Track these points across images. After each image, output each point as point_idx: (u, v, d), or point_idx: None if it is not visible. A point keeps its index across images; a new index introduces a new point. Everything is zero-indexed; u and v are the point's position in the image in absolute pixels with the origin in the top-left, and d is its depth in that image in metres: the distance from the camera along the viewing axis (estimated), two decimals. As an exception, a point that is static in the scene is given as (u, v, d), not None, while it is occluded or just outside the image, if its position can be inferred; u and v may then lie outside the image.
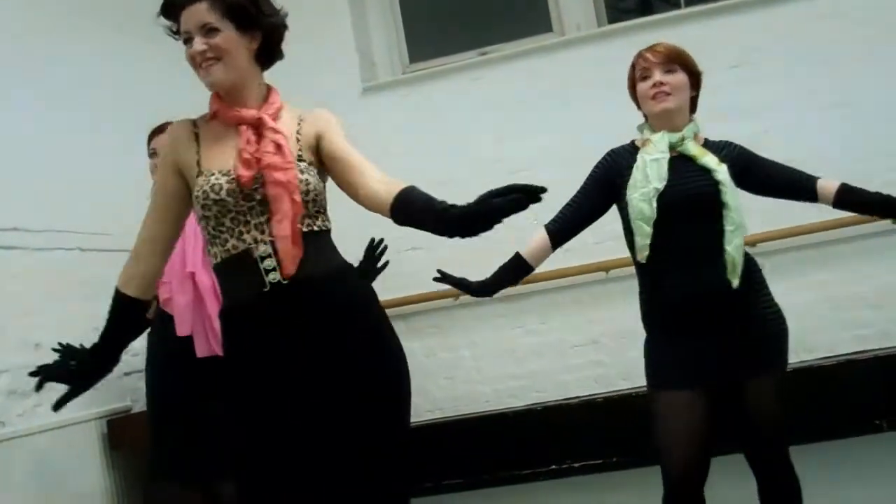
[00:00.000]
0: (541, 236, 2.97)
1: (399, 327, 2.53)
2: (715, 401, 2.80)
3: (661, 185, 2.79)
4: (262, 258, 2.35)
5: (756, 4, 5.11)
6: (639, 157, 2.87)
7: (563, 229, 2.97)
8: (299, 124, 2.50)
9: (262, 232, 2.36)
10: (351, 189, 2.41)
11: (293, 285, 2.34)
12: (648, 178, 2.80)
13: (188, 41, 2.40)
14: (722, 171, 2.80)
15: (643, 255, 2.82)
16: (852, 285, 4.90)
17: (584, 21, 5.45)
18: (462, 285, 2.96)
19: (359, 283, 2.56)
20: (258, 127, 2.41)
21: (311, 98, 4.58)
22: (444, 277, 2.96)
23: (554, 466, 5.08)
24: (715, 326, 2.78)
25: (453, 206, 2.17)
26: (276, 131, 2.39)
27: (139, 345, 3.43)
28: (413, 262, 4.74)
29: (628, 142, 3.00)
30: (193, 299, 3.47)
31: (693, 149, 2.86)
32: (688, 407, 2.78)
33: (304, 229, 2.37)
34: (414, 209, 2.26)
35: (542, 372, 5.21)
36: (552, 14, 5.53)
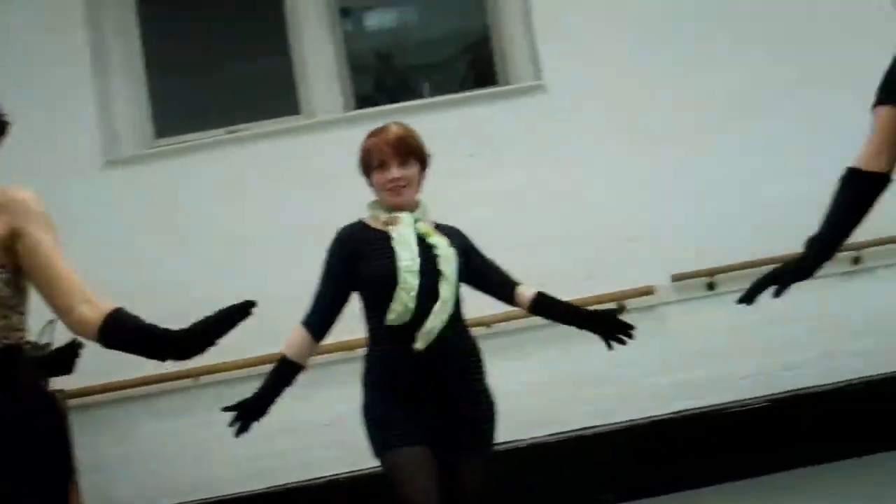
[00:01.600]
0: (300, 334, 3.05)
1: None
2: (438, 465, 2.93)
3: (418, 258, 2.94)
4: None
5: (494, 97, 5.43)
6: (394, 232, 2.99)
7: (320, 320, 3.06)
8: None
9: None
10: (56, 309, 2.21)
11: None
12: (412, 253, 2.94)
13: None
14: (445, 248, 2.98)
15: (393, 321, 2.91)
16: (580, 363, 5.17)
17: (332, 105, 5.57)
18: (240, 407, 2.98)
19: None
20: None
21: (51, 169, 4.51)
22: (228, 408, 2.96)
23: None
24: (427, 397, 2.94)
25: (168, 332, 2.16)
26: None
27: None
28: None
29: (356, 220, 3.11)
30: None
31: (425, 227, 3.03)
32: (427, 461, 2.89)
33: None
34: (127, 332, 2.18)
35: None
36: (301, 96, 5.62)
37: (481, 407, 3.07)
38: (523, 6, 5.52)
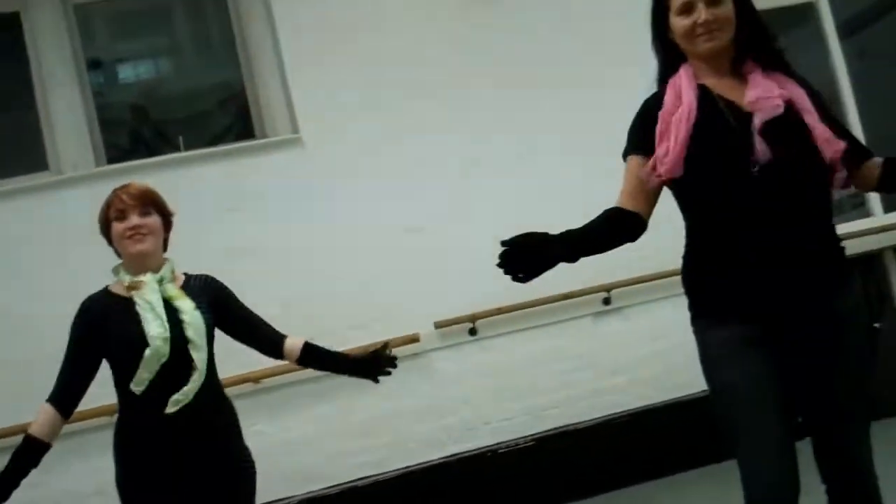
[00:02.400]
0: (46, 412, 2.90)
1: None
2: None
3: (167, 324, 2.87)
4: None
5: (253, 150, 5.41)
6: (138, 298, 2.90)
7: (68, 396, 2.94)
8: None
9: None
10: None
11: None
12: (161, 320, 2.87)
13: None
14: (191, 313, 2.92)
15: (140, 388, 2.84)
16: (348, 416, 5.19)
17: (82, 160, 5.34)
18: None
19: None
20: None
21: None
22: None
23: None
24: (180, 461, 2.88)
25: None
26: None
27: None
28: None
29: (101, 288, 3.02)
30: None
31: (171, 290, 2.96)
32: None
33: None
34: None
35: None
36: (48, 152, 5.36)
37: (238, 467, 3.01)
38: (276, 59, 5.53)
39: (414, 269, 5.32)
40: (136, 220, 2.93)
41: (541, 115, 5.54)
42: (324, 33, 5.47)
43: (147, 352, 2.82)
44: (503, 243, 2.36)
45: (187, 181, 4.87)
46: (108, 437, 4.29)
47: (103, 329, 2.91)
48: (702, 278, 2.55)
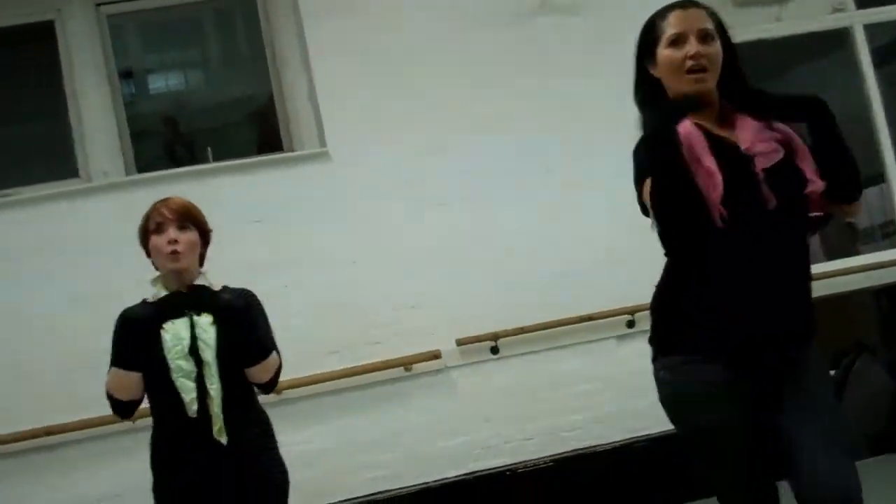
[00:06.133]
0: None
1: None
2: None
3: (188, 342, 2.92)
4: None
5: (280, 163, 5.43)
6: (166, 334, 2.94)
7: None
8: None
9: None
10: None
11: None
12: (179, 336, 2.91)
13: None
14: (206, 328, 2.94)
15: (194, 408, 2.89)
16: (368, 429, 5.17)
17: (112, 168, 5.40)
18: None
19: None
20: None
21: None
22: None
23: None
24: (216, 472, 2.91)
25: None
26: None
27: None
28: None
29: (140, 301, 3.05)
30: None
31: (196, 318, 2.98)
32: None
33: None
34: None
35: None
36: (79, 159, 5.42)
37: (267, 477, 3.03)
38: (306, 73, 5.55)
39: (436, 285, 5.31)
40: (174, 234, 2.95)
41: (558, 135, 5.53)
42: (354, 47, 5.48)
43: (173, 374, 2.89)
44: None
45: (214, 192, 4.89)
46: (126, 441, 4.38)
47: (138, 344, 2.94)
48: (685, 315, 2.44)
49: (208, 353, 2.91)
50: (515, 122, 5.52)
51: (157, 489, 3.00)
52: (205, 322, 2.95)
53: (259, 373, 3.00)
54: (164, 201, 3.03)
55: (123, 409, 3.02)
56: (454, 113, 5.46)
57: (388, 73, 5.48)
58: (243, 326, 2.97)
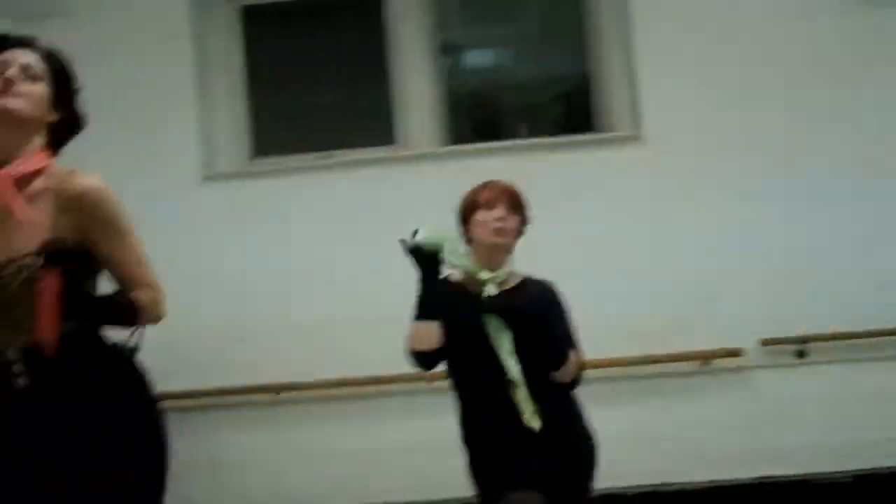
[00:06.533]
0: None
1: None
2: None
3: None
4: None
5: (589, 144, 5.40)
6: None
7: None
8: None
9: None
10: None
11: None
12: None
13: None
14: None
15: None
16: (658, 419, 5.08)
17: (427, 139, 5.57)
18: None
19: None
20: None
21: (151, 181, 4.57)
22: None
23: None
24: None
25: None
26: None
27: None
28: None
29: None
30: None
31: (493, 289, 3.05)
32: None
33: None
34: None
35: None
36: (397, 127, 5.63)
37: (581, 444, 3.13)
38: (625, 56, 5.47)
39: (744, 282, 5.13)
40: (503, 213, 3.04)
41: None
42: (680, 36, 5.34)
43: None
44: None
45: (523, 169, 4.92)
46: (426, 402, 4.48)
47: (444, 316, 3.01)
48: None
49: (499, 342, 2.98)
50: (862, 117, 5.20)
51: (473, 467, 3.10)
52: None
53: (557, 377, 3.04)
54: (495, 182, 3.14)
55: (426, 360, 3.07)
56: (786, 100, 5.21)
57: (714, 58, 5.31)
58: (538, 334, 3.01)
